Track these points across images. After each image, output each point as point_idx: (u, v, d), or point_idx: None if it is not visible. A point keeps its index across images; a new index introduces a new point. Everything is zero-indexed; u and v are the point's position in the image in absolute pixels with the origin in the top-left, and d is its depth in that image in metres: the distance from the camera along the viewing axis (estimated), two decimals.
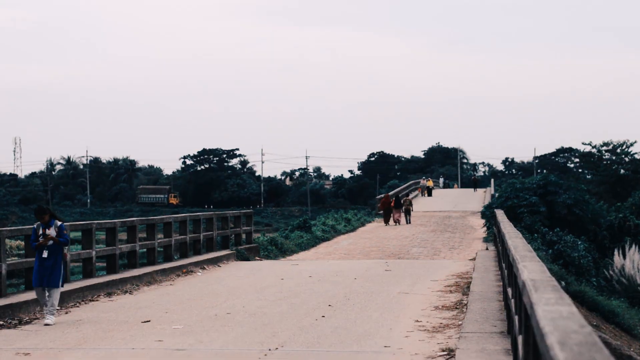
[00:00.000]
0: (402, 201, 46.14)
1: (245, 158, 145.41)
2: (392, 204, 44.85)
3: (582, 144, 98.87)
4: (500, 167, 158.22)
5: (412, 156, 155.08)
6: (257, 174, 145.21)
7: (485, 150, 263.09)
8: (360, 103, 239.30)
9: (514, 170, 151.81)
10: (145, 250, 21.48)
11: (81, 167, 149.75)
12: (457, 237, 35.93)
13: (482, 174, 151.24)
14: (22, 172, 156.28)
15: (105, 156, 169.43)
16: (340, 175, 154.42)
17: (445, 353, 10.08)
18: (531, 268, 6.84)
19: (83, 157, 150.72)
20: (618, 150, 76.16)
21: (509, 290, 10.31)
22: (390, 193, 53.36)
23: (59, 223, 13.57)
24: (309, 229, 36.97)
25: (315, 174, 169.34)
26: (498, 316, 12.08)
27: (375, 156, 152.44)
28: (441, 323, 12.54)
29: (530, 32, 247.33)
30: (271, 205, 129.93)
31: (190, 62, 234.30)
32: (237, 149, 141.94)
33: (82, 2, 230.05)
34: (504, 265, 13.75)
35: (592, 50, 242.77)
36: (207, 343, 11.10)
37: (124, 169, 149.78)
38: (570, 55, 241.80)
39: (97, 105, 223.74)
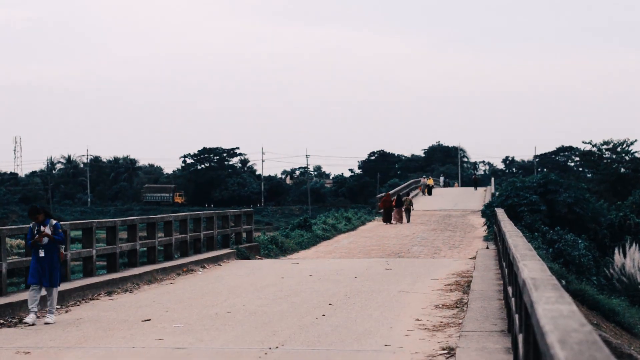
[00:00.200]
0: (402, 200, 46.17)
1: (246, 157, 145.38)
2: (392, 203, 44.87)
3: (583, 142, 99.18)
4: (501, 166, 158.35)
5: (413, 155, 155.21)
6: (257, 172, 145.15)
7: (486, 149, 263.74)
8: (360, 102, 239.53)
9: (514, 169, 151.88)
10: (145, 249, 21.48)
11: (81, 166, 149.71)
12: (457, 236, 35.91)
13: (482, 172, 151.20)
14: (23, 171, 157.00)
15: (106, 155, 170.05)
16: (340, 174, 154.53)
17: (445, 352, 10.08)
18: (531, 267, 6.84)
19: (83, 156, 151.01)
20: (618, 149, 76.08)
21: (510, 289, 10.30)
22: (391, 192, 53.34)
23: (54, 222, 13.53)
24: (310, 228, 36.95)
25: (315, 173, 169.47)
26: (498, 315, 12.07)
27: (376, 155, 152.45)
28: (441, 322, 12.54)
29: (530, 30, 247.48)
30: (271, 204, 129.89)
31: (190, 61, 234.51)
32: (238, 148, 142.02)
33: (83, 1, 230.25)
34: (504, 263, 13.75)
35: (592, 50, 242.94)
36: (207, 342, 11.10)
37: (125, 167, 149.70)
38: (571, 54, 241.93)
39: (98, 104, 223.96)
